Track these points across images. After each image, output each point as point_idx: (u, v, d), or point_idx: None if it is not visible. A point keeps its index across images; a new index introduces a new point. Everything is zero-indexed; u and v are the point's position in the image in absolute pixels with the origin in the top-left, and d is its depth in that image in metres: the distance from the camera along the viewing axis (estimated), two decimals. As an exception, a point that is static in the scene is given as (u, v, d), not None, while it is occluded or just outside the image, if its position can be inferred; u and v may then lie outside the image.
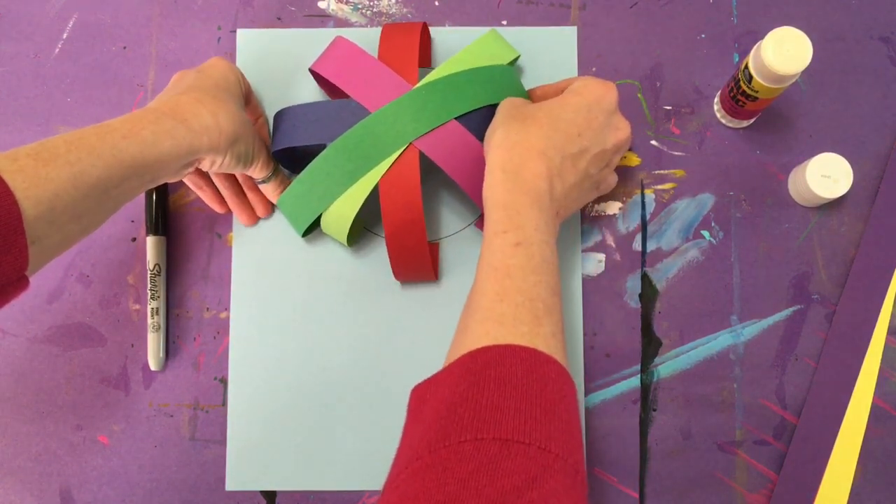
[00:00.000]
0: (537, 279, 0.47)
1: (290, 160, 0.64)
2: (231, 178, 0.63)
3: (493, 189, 0.50)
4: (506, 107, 0.55)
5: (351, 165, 0.56)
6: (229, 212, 0.64)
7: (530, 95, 0.61)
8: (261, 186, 0.62)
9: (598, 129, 0.54)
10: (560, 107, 0.54)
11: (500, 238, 0.48)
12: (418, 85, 0.56)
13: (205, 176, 0.62)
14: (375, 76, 0.57)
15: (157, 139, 0.49)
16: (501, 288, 0.46)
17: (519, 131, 0.52)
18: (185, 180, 0.62)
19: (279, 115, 0.61)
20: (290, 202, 0.60)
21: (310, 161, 0.65)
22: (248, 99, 0.62)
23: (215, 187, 0.63)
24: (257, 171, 0.60)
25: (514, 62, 0.65)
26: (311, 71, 0.62)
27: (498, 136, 0.52)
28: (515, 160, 0.50)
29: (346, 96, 0.61)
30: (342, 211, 0.59)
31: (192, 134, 0.51)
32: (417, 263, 0.60)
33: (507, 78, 0.59)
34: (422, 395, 0.44)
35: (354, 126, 0.56)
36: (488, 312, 0.45)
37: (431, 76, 0.56)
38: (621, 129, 0.56)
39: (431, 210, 0.65)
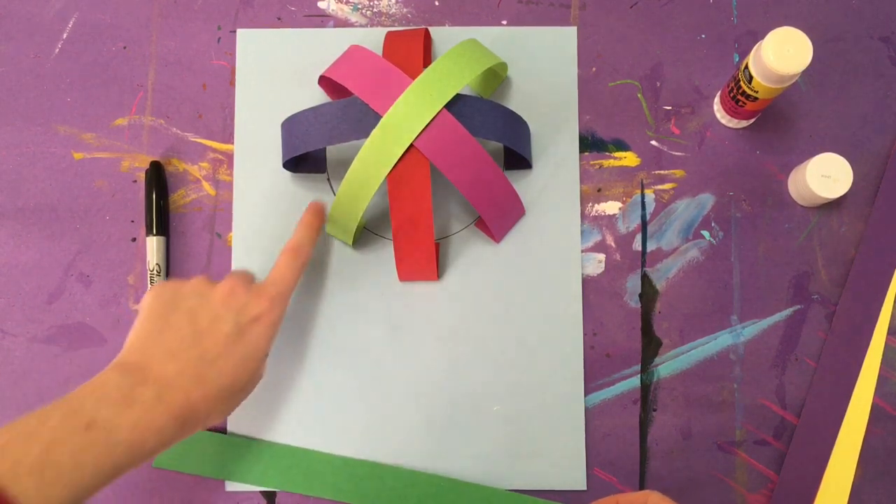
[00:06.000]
0: None
1: (295, 162, 0.64)
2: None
3: None
4: None
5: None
6: None
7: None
8: None
9: None
10: None
11: None
12: (414, 82, 0.57)
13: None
14: (390, 80, 0.57)
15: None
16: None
17: None
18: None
19: (287, 124, 0.61)
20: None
21: (311, 160, 0.66)
22: None
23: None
24: None
25: (501, 70, 0.65)
26: (322, 77, 0.62)
27: None
28: None
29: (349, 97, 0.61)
30: (349, 211, 0.59)
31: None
32: (423, 259, 0.60)
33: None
34: None
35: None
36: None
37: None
38: None
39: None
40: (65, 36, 0.68)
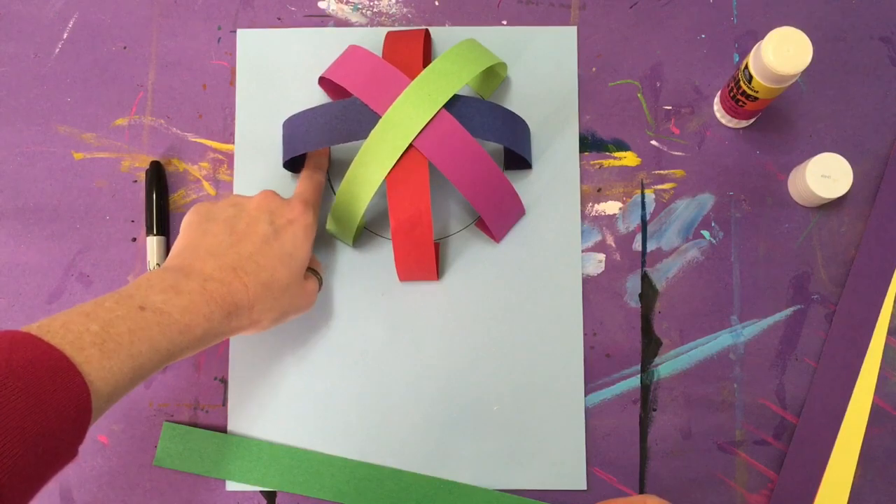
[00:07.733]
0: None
1: (295, 162, 0.64)
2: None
3: None
4: None
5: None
6: None
7: None
8: None
9: None
10: None
11: None
12: (413, 81, 0.57)
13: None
14: (388, 80, 0.57)
15: (209, 335, 0.51)
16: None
17: None
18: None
19: (287, 124, 0.62)
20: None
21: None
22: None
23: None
24: None
25: (501, 70, 0.65)
26: (322, 78, 0.62)
27: None
28: None
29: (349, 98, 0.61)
30: (349, 211, 0.59)
31: (242, 327, 0.54)
32: (423, 259, 0.60)
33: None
34: None
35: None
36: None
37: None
38: None
39: (432, 210, 0.66)
40: (65, 36, 0.68)
